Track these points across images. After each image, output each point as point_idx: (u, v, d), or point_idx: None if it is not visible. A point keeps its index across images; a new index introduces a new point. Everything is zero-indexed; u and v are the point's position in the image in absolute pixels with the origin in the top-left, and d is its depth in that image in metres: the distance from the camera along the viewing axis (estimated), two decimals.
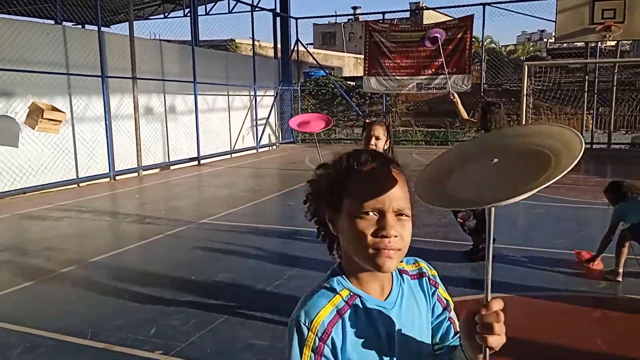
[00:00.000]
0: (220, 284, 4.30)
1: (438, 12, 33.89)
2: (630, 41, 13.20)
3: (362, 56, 35.23)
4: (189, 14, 18.57)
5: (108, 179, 10.00)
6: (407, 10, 17.40)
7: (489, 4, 14.02)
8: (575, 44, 19.16)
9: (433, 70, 14.60)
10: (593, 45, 13.32)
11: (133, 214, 7.29)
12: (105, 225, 6.63)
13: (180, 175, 10.72)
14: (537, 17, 13.02)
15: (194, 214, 6.97)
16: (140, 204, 8.10)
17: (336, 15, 34.95)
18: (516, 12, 13.58)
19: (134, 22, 10.83)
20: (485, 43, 20.73)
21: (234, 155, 14.20)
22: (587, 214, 6.72)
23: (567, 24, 11.84)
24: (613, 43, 12.80)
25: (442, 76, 14.47)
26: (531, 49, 42.42)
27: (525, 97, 13.23)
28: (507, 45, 39.70)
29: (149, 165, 11.13)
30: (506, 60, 23.41)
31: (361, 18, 44.86)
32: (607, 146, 13.96)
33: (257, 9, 15.25)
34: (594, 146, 13.90)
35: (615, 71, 12.87)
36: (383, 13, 16.69)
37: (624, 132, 15.93)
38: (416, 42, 14.68)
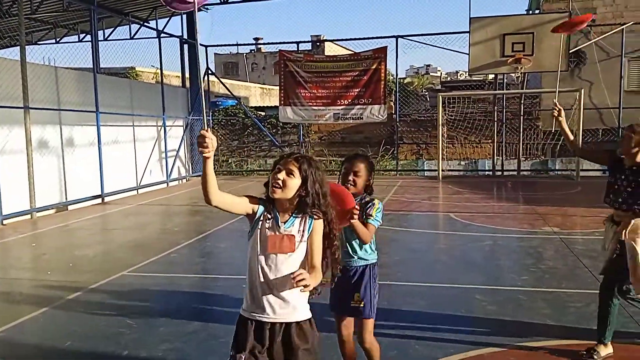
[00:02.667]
0: None
1: (337, 44, 34.74)
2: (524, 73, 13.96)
3: (268, 86, 34.96)
4: (84, 39, 17.21)
5: None
6: (308, 42, 17.12)
7: (401, 36, 14.23)
8: (470, 77, 20.22)
9: (349, 100, 14.49)
10: (491, 77, 13.96)
11: (30, 267, 6.09)
12: None
13: (82, 217, 9.43)
14: (450, 50, 13.31)
15: (109, 266, 5.93)
16: (39, 254, 6.86)
17: (255, 44, 34.48)
18: (429, 45, 13.86)
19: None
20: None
21: (141, 190, 12.97)
22: (537, 244, 6.60)
23: (479, 56, 12.24)
24: (515, 75, 13.43)
25: (358, 106, 14.37)
26: (426, 82, 44.84)
27: (440, 126, 13.45)
28: (403, 78, 41.59)
29: (43, 206, 9.71)
30: (411, 92, 24.18)
31: (264, 49, 44.94)
32: (517, 173, 14.55)
33: (163, 34, 14.30)
34: (505, 173, 14.42)
35: (522, 101, 13.48)
36: (283, 43, 16.35)
37: (524, 159, 16.81)
38: (332, 72, 14.56)
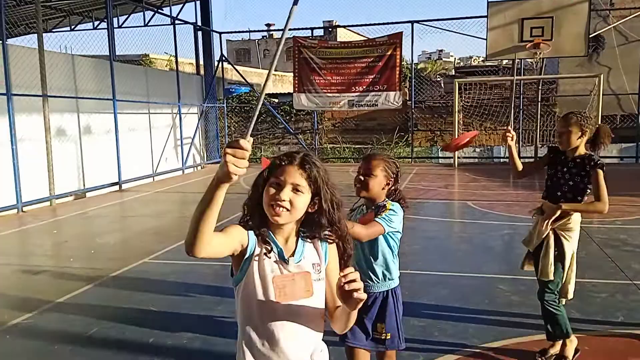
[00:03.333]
0: (185, 349, 3.49)
1: (350, 30, 34.47)
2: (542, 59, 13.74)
3: (281, 73, 34.88)
4: (98, 27, 17.23)
5: (15, 211, 8.63)
6: (320, 28, 16.98)
7: (417, 21, 14.07)
8: (484, 62, 19.95)
9: (364, 87, 14.40)
10: (506, 63, 13.75)
11: (52, 255, 6.17)
12: (18, 273, 5.49)
13: (100, 204, 9.52)
14: (467, 35, 13.11)
15: (130, 253, 5.99)
16: (60, 241, 6.94)
17: (268, 30, 34.28)
18: (445, 30, 13.70)
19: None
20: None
21: (156, 178, 13.06)
22: None
23: (497, 41, 12.06)
24: (533, 61, 13.23)
25: (373, 93, 14.31)
26: (440, 67, 44.39)
27: (456, 113, 13.34)
28: (416, 64, 41.24)
29: (62, 193, 9.81)
30: (424, 78, 23.96)
31: (276, 35, 44.73)
32: (534, 159, 14.38)
33: (178, 21, 14.27)
34: (522, 160, 14.27)
35: (540, 87, 13.30)
36: (296, 29, 16.18)
37: (540, 146, 16.64)
38: (346, 59, 14.47)
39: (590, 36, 13.06)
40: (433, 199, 9.40)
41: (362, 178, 2.44)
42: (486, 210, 7.92)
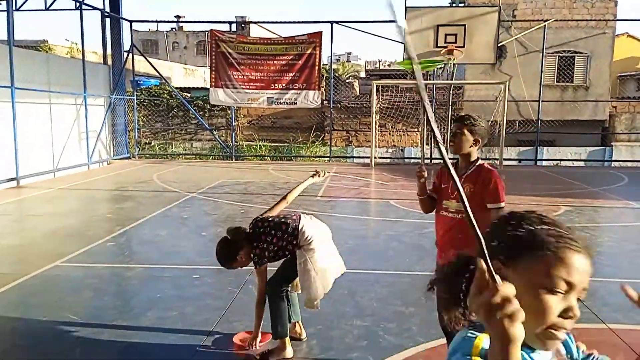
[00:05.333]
0: None
1: (262, 27, 34.22)
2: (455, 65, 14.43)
3: (191, 66, 33.69)
4: None
5: None
6: (231, 22, 16.63)
7: (336, 22, 14.17)
8: (389, 66, 20.60)
9: (283, 85, 14.27)
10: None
11: None
12: None
13: None
14: (384, 38, 13.37)
15: (39, 256, 5.42)
16: None
17: (177, 21, 32.93)
18: (365, 32, 13.92)
19: None
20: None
21: (58, 174, 12.05)
22: None
23: (414, 45, 12.42)
24: (448, 66, 13.81)
25: (292, 91, 14.25)
26: (350, 69, 45.36)
27: (374, 114, 13.60)
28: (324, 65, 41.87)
29: None
30: (338, 78, 24.29)
31: (185, 27, 43.31)
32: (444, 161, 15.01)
33: (85, 6, 13.27)
34: (433, 161, 14.88)
35: (451, 91, 13.92)
36: (210, 22, 15.73)
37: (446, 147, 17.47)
38: (265, 55, 14.26)
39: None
40: (357, 197, 9.49)
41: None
42: (408, 208, 8.10)
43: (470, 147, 2.79)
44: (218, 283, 4.60)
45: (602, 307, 4.00)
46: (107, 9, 14.70)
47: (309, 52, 14.11)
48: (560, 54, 18.49)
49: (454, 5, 21.04)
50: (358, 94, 23.66)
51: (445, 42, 12.19)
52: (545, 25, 14.05)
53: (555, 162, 16.68)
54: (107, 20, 14.81)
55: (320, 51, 14.15)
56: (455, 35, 12.15)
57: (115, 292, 4.42)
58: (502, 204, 2.71)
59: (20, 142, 10.39)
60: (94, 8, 13.93)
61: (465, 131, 2.77)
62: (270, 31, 32.79)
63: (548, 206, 8.29)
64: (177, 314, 3.91)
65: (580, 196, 9.41)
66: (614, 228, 7.09)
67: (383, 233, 6.62)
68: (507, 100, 13.90)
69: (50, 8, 14.54)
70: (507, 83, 12.92)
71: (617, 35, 19.93)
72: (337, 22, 14.16)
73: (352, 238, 6.29)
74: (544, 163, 16.27)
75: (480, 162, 2.81)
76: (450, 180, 2.55)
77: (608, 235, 6.58)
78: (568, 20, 17.18)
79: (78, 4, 13.12)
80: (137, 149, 16.24)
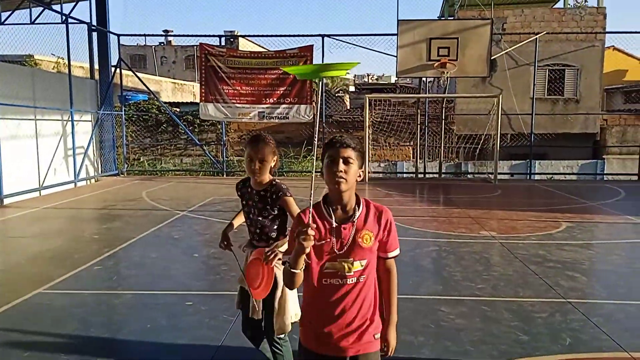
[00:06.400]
0: None
1: (250, 41, 34.12)
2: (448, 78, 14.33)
3: (180, 81, 33.46)
4: None
5: None
6: (221, 36, 16.46)
7: (328, 35, 14.04)
8: (377, 80, 20.54)
9: (275, 99, 14.08)
10: (403, 82, 14.24)
11: None
12: None
13: None
14: (377, 52, 13.27)
15: (21, 282, 5.11)
16: None
17: (166, 35, 32.76)
18: (356, 45, 13.78)
19: None
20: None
21: (43, 192, 11.70)
22: (480, 249, 6.57)
23: (407, 59, 12.33)
24: (441, 79, 13.72)
25: (284, 106, 14.06)
26: (340, 82, 45.36)
27: (367, 128, 13.44)
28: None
29: None
30: (328, 92, 24.16)
31: (174, 42, 43.14)
32: (439, 175, 14.89)
33: (71, 20, 13.01)
34: (427, 175, 14.73)
35: (444, 105, 13.81)
36: (198, 36, 15.51)
37: (443, 161, 17.34)
38: (256, 69, 14.07)
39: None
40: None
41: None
42: (407, 226, 7.88)
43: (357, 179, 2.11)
44: (213, 310, 4.33)
45: (623, 333, 3.80)
46: (94, 22, 14.46)
47: (300, 65, 13.93)
48: (550, 67, 18.52)
49: (443, 18, 21.10)
50: (348, 107, 23.55)
51: (438, 55, 12.09)
52: (537, 38, 14.02)
53: (548, 176, 16.60)
54: (94, 34, 14.56)
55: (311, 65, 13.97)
56: (448, 48, 12.06)
57: (102, 323, 4.12)
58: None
59: (4, 160, 10.06)
60: (81, 22, 13.69)
61: (355, 158, 2.06)
62: (259, 45, 32.68)
63: (548, 222, 8.12)
64: (170, 347, 3.63)
65: (578, 211, 9.27)
66: (621, 245, 6.91)
67: None
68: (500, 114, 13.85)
69: (35, 22, 14.28)
70: (500, 96, 12.83)
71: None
72: (328, 36, 14.03)
73: None
74: (536, 177, 16.18)
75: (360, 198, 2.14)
76: (332, 235, 2.02)
77: (616, 253, 6.40)
78: (559, 33, 17.22)
79: (64, 18, 12.87)
80: (126, 165, 15.91)
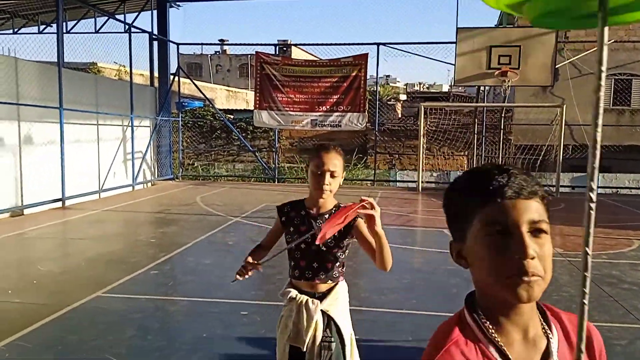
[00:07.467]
0: None
1: (302, 49, 34.37)
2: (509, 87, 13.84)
3: (234, 89, 34.07)
4: (44, 31, 16.07)
5: None
6: (275, 45, 16.59)
7: (383, 43, 13.87)
8: (428, 89, 20.13)
9: (328, 107, 14.01)
10: (456, 90, 13.80)
11: None
12: None
13: (41, 223, 8.52)
14: (435, 60, 12.99)
15: (80, 284, 5.18)
16: None
17: (221, 44, 33.60)
18: (413, 54, 13.55)
19: None
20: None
21: (103, 194, 12.06)
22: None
23: (465, 67, 11.99)
24: (502, 88, 13.26)
25: (337, 114, 13.98)
26: (391, 91, 45.00)
27: (421, 137, 13.15)
28: (371, 87, 41.66)
29: None
30: (381, 100, 23.94)
31: (229, 51, 44.05)
32: None
33: (134, 29, 13.42)
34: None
35: (503, 114, 13.35)
36: (253, 45, 15.72)
37: None
38: (310, 77, 14.06)
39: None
40: (406, 225, 9.01)
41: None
42: None
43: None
44: (268, 322, 4.22)
45: None
46: (155, 32, 14.87)
47: (354, 74, 13.84)
48: (616, 77, 17.63)
49: (501, 26, 20.52)
50: (400, 116, 23.23)
51: (499, 63, 11.70)
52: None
53: (614, 190, 15.75)
54: (155, 43, 14.97)
55: (365, 73, 13.86)
56: (510, 56, 11.64)
57: (159, 329, 4.09)
58: None
59: (67, 163, 10.41)
60: (143, 31, 14.09)
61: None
62: (311, 54, 32.87)
63: (619, 239, 7.62)
64: (226, 357, 3.55)
65: None
66: None
67: (441, 267, 6.12)
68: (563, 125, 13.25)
69: (100, 31, 14.84)
70: (564, 106, 12.27)
71: None
72: (383, 44, 13.85)
73: (408, 272, 5.83)
74: (600, 190, 15.38)
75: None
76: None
77: None
78: (625, 41, 16.37)
79: (127, 27, 13.28)
80: (181, 170, 16.23)
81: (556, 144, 12.29)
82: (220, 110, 18.79)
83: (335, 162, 2.21)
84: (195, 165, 19.68)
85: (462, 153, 18.57)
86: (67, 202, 10.51)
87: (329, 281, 2.28)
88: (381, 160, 18.89)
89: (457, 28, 12.20)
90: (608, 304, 4.80)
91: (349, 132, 16.59)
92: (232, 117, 20.69)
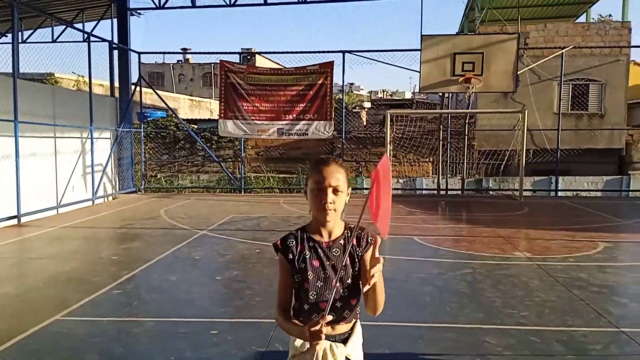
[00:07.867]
0: None
1: (267, 58, 34.25)
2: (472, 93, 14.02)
3: (198, 98, 33.64)
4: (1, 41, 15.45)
5: None
6: (240, 53, 16.46)
7: (348, 51, 13.87)
8: (391, 96, 20.34)
9: (294, 115, 13.91)
10: (419, 97, 13.95)
11: None
12: None
13: None
14: (400, 67, 13.05)
15: (37, 307, 4.89)
16: None
17: (184, 53, 33.04)
18: (378, 62, 13.59)
19: None
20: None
21: (61, 210, 11.58)
22: (517, 272, 6.22)
23: (430, 74, 12.09)
24: (466, 95, 13.43)
25: (303, 122, 13.89)
26: (356, 99, 45.27)
27: (388, 144, 13.18)
28: (336, 94, 41.78)
29: None
30: (347, 108, 24.00)
31: (192, 59, 43.49)
32: (461, 192, 14.53)
33: (93, 38, 13.03)
34: (449, 192, 14.36)
35: (467, 120, 13.52)
36: (217, 53, 15.52)
37: (459, 178, 16.97)
38: (276, 86, 13.94)
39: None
40: (376, 233, 8.93)
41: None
42: (435, 246, 7.57)
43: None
44: (240, 341, 4.05)
45: None
46: (115, 40, 14.49)
47: (320, 82, 13.79)
48: (574, 82, 18.14)
49: (463, 34, 20.86)
50: (365, 124, 23.33)
51: (463, 70, 11.84)
52: (563, 53, 13.70)
53: (574, 192, 16.14)
54: (115, 52, 14.57)
55: (331, 81, 13.83)
56: (473, 63, 11.81)
57: (122, 354, 3.87)
58: None
59: (22, 178, 9.96)
60: (103, 40, 13.69)
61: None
62: (276, 62, 32.74)
63: (584, 242, 7.74)
64: None
65: (613, 230, 8.87)
66: None
67: (413, 275, 6.06)
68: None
69: (57, 40, 14.37)
70: (525, 112, 12.50)
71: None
72: (349, 52, 13.85)
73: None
74: (561, 193, 15.73)
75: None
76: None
77: None
78: (583, 47, 16.86)
79: (86, 36, 12.89)
80: (143, 183, 15.81)
81: (518, 148, 12.50)
82: (183, 120, 18.44)
83: (337, 175, 1.86)
84: (159, 177, 19.24)
85: (428, 159, 18.73)
86: (23, 219, 10.04)
87: (353, 320, 1.96)
88: (348, 168, 18.87)
89: (422, 35, 12.31)
90: (580, 308, 4.82)
91: (316, 140, 16.51)
92: (195, 127, 20.34)
